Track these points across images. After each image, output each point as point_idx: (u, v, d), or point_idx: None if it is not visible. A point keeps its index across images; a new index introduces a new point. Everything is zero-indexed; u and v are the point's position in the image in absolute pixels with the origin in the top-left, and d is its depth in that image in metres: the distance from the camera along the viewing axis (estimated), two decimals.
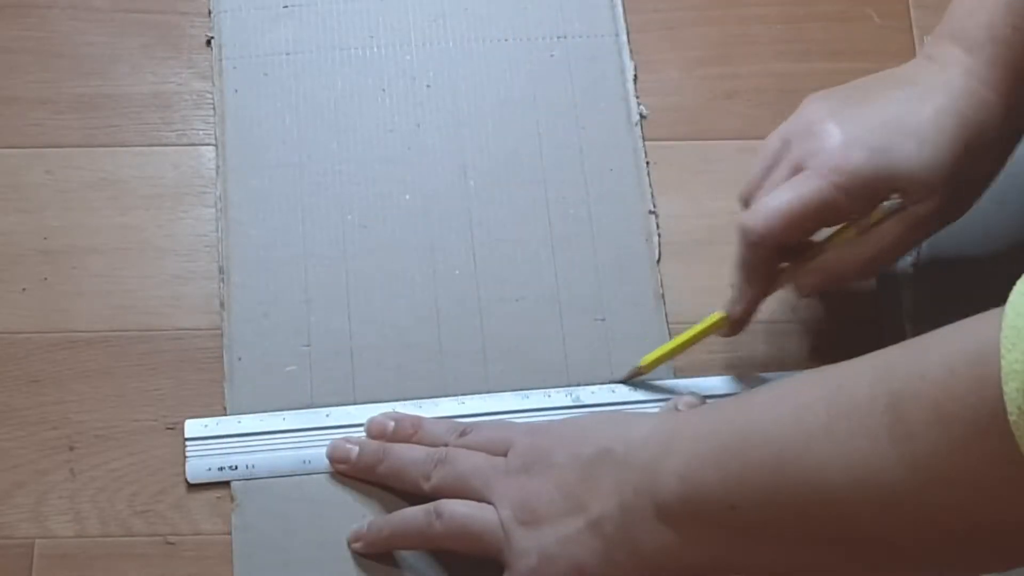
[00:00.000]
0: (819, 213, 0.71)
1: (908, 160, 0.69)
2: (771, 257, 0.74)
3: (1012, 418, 0.50)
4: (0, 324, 0.78)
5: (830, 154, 0.70)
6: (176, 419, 0.76)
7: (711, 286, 0.81)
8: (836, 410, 0.58)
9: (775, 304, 0.80)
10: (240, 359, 0.78)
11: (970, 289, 0.78)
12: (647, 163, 0.85)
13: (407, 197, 0.83)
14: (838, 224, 0.73)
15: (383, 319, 0.79)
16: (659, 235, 0.82)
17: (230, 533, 0.74)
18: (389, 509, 0.74)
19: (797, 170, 0.72)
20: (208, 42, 0.87)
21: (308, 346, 0.78)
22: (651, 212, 0.83)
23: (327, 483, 0.75)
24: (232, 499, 0.74)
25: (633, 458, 0.66)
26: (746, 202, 0.75)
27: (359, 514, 0.74)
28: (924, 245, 0.79)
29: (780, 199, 0.71)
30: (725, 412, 0.66)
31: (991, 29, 0.70)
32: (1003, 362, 0.50)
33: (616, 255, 0.82)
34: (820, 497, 0.58)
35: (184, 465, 0.75)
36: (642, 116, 0.86)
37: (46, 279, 0.80)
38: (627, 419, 0.70)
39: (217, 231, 0.81)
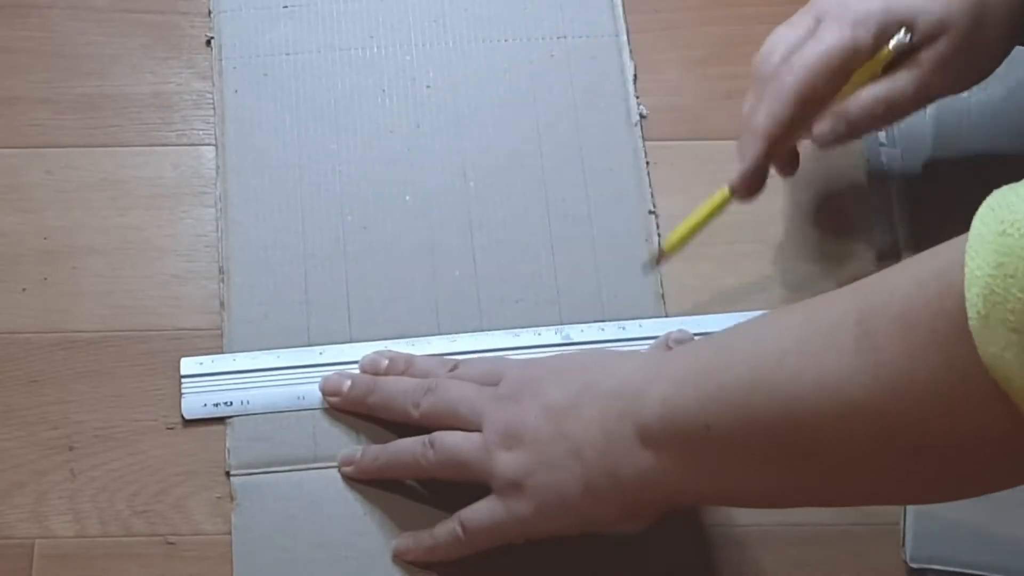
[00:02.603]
0: (844, 57, 0.73)
1: None
2: (802, 116, 0.74)
3: (972, 322, 0.51)
4: (0, 324, 0.78)
5: (849, 3, 0.74)
6: (176, 419, 0.76)
7: (711, 286, 0.81)
8: (809, 328, 0.60)
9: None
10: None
11: None
12: (647, 163, 0.85)
13: (407, 198, 0.83)
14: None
15: (383, 320, 0.79)
16: (659, 235, 0.82)
17: (230, 533, 0.74)
18: (386, 500, 0.74)
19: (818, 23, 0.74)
20: (208, 42, 0.87)
21: (308, 346, 0.78)
22: (651, 212, 0.83)
23: (327, 483, 0.75)
24: (232, 499, 0.74)
25: (619, 389, 0.67)
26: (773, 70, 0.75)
27: (359, 513, 0.74)
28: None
29: (805, 53, 0.73)
30: (709, 341, 0.68)
31: None
32: (967, 269, 0.52)
33: (616, 255, 0.82)
34: (790, 413, 0.59)
35: (180, 401, 0.76)
36: (642, 116, 0.86)
37: (46, 279, 0.80)
38: (617, 355, 0.72)
39: (217, 231, 0.81)
